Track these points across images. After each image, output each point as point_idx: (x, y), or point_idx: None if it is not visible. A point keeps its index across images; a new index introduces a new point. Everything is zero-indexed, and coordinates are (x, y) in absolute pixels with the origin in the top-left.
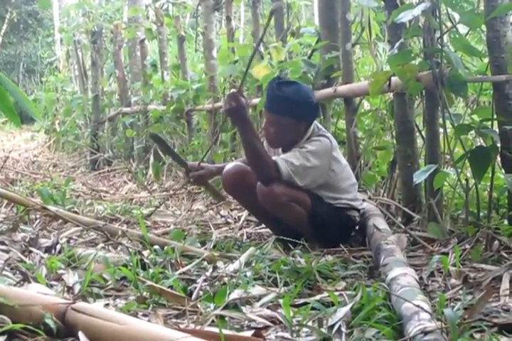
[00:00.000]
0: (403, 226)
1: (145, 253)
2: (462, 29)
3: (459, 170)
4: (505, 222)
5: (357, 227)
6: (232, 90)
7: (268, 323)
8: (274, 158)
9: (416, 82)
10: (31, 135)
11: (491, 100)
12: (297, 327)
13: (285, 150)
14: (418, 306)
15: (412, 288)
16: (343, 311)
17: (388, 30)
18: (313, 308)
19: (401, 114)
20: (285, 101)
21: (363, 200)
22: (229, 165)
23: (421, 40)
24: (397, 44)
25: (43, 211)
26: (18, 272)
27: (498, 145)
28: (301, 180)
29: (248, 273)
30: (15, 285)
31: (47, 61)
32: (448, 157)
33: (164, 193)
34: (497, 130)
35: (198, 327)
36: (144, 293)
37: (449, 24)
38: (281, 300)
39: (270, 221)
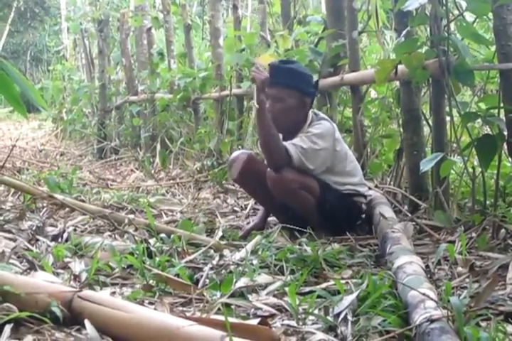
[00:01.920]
0: (410, 215)
1: (151, 241)
2: (469, 17)
3: (466, 159)
4: None
5: (364, 215)
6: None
7: (274, 311)
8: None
9: (422, 70)
10: (38, 124)
11: (498, 88)
12: (303, 315)
13: (287, 137)
14: (424, 294)
15: (418, 276)
16: (349, 299)
17: (395, 18)
18: (319, 296)
19: (407, 102)
20: (289, 72)
21: (369, 188)
22: (235, 153)
23: (428, 28)
24: (404, 32)
25: (50, 199)
26: (24, 260)
27: (505, 133)
28: (312, 163)
29: (254, 262)
30: (21, 274)
31: (54, 50)
32: (455, 145)
33: (171, 181)
34: (504, 118)
35: (204, 315)
36: (150, 281)
37: (455, 12)
38: (287, 289)
39: (277, 209)
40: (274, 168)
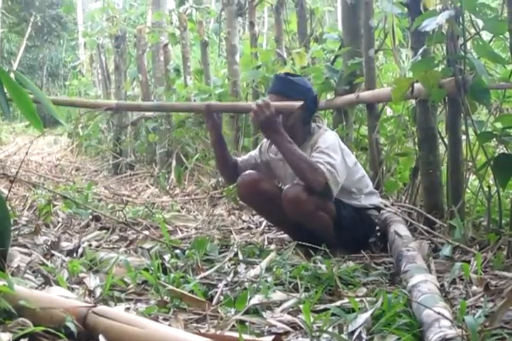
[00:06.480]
0: (427, 234)
1: (166, 257)
2: (486, 36)
3: (481, 178)
4: None
5: (377, 227)
6: (262, 99)
7: (288, 329)
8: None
9: (439, 89)
10: (54, 138)
11: None
12: (317, 333)
13: None
14: (439, 313)
15: (433, 295)
16: (363, 317)
17: (411, 36)
18: (333, 314)
19: (423, 120)
20: (293, 83)
21: (385, 206)
22: (243, 174)
23: (444, 47)
24: (421, 50)
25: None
26: (39, 275)
27: None
28: (340, 177)
29: (269, 279)
30: (36, 289)
31: (70, 65)
32: (470, 164)
33: (186, 197)
34: None
35: (218, 332)
36: (165, 297)
37: (472, 31)
38: (301, 306)
39: (289, 227)
40: (315, 187)
